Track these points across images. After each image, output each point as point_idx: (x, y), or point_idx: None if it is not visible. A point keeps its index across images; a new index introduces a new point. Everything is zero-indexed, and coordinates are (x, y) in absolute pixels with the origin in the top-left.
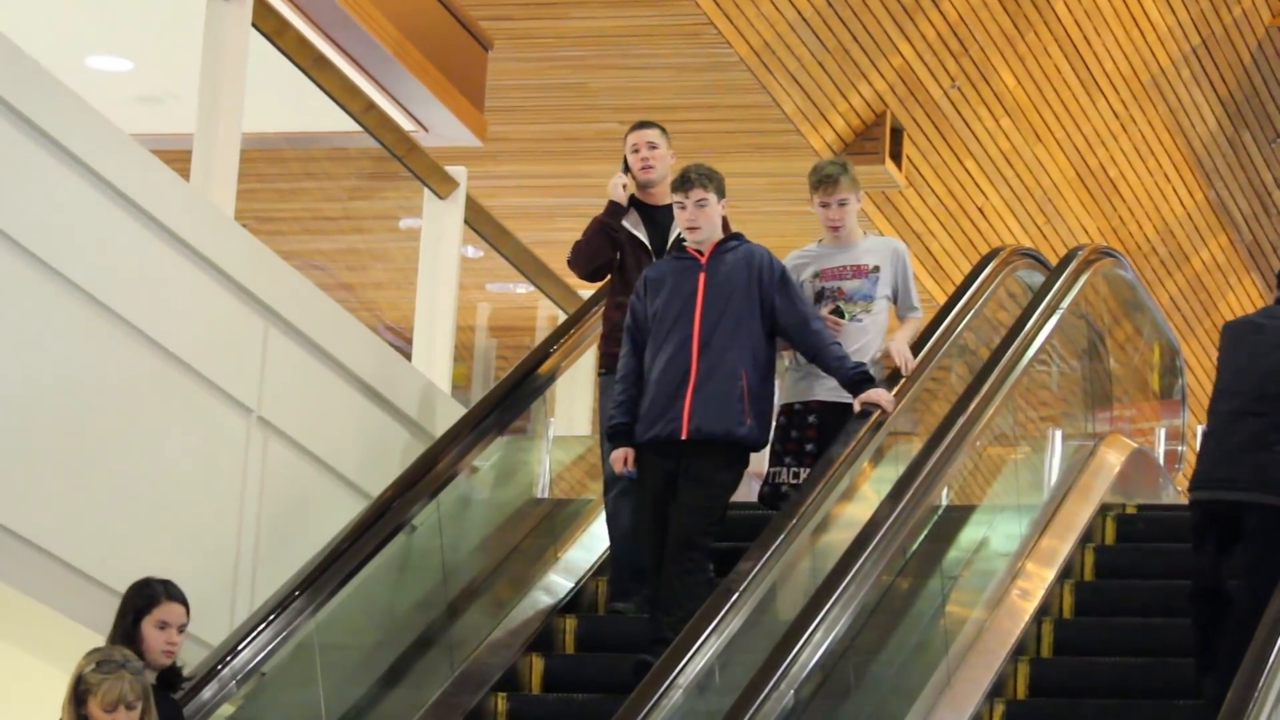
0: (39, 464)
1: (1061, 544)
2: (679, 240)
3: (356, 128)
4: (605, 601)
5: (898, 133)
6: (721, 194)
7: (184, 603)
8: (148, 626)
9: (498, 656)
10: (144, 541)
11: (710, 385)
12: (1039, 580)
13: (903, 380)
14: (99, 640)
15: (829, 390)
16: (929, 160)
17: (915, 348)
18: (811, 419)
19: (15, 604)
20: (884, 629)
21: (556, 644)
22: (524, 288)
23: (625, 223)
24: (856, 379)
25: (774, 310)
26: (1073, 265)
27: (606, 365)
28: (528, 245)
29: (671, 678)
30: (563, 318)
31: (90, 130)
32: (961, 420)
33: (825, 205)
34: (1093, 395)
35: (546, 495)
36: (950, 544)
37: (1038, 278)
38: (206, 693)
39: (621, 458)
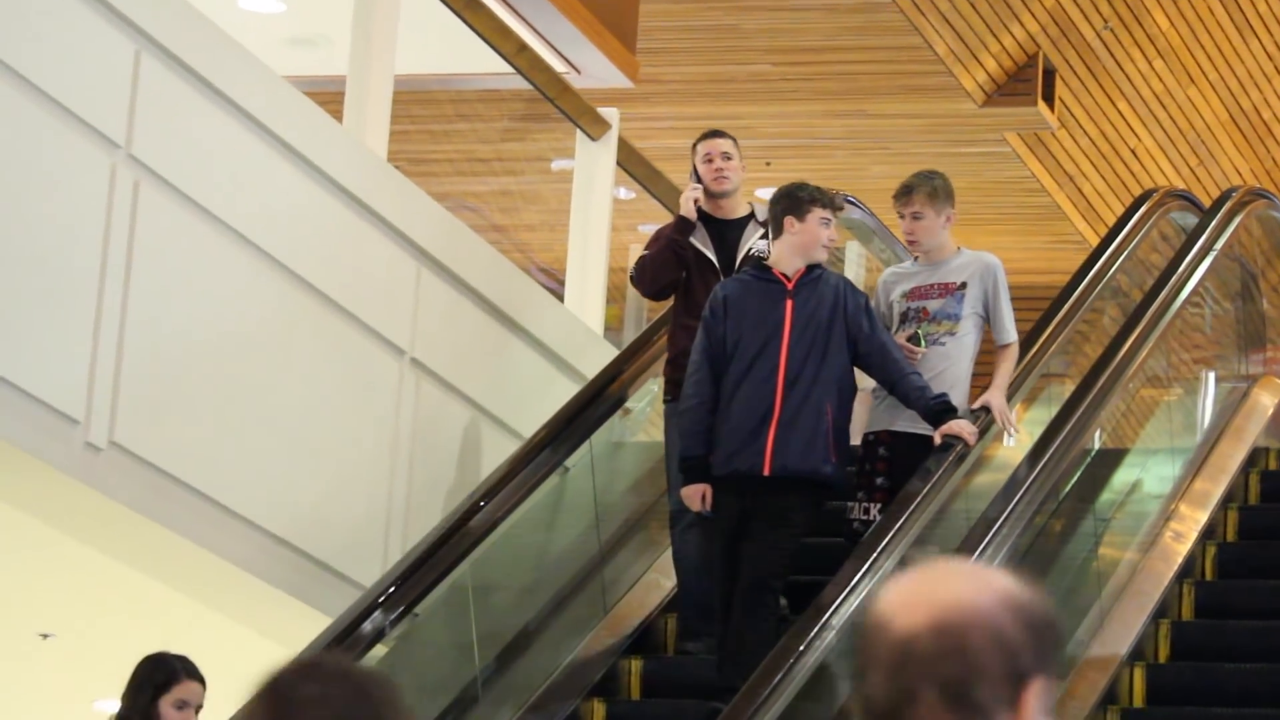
0: (194, 408)
1: (1214, 486)
2: (756, 258)
3: (509, 69)
4: (674, 640)
5: (1050, 74)
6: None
7: (202, 680)
8: (165, 706)
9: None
10: (297, 483)
11: (796, 421)
12: (1192, 522)
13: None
14: (252, 583)
15: (905, 421)
16: (1081, 102)
17: (1014, 385)
18: (882, 451)
19: (171, 546)
20: (1037, 571)
21: (621, 687)
22: None
23: (693, 239)
24: (937, 409)
25: (856, 340)
26: (1226, 207)
27: (673, 392)
28: (680, 187)
29: None
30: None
31: (243, 73)
32: (1114, 362)
33: (901, 217)
34: (1246, 337)
35: None
36: (1103, 486)
37: (1191, 219)
38: (360, 633)
39: (699, 495)
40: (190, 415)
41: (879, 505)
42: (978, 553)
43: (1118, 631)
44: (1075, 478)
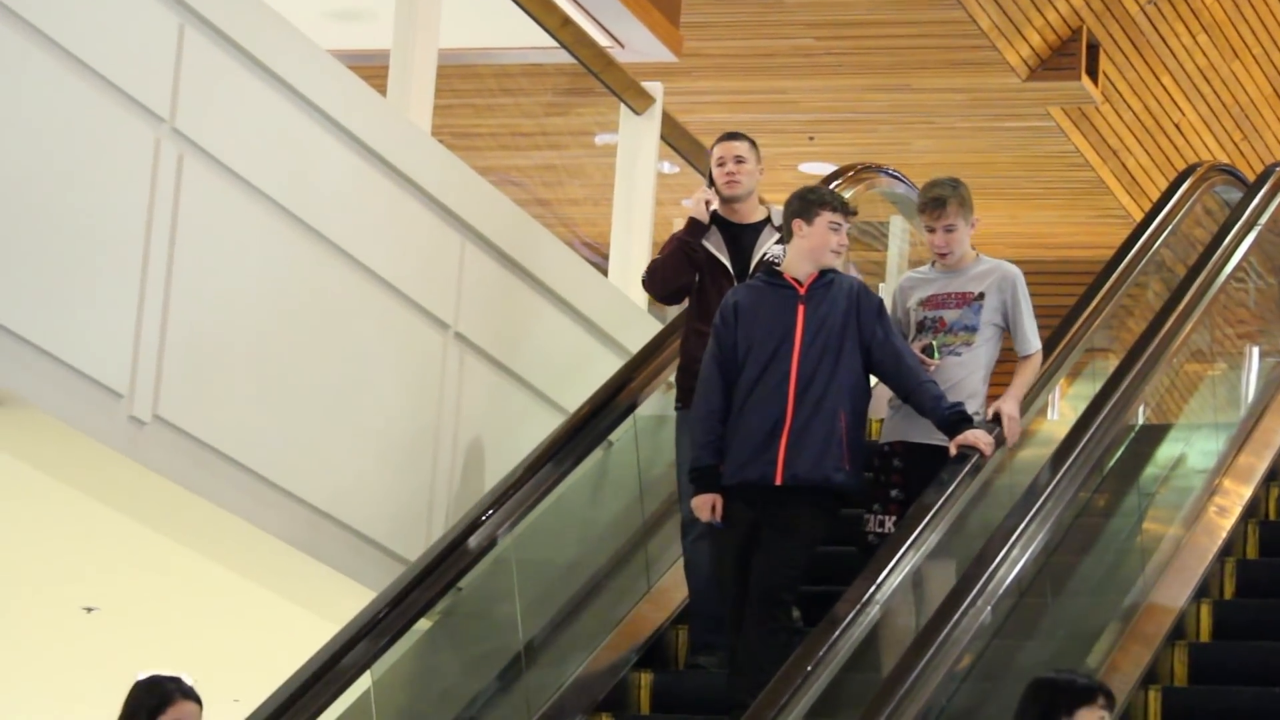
0: (238, 381)
1: (1259, 461)
2: (769, 263)
3: (552, 43)
4: (686, 653)
5: (1094, 48)
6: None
7: (198, 700)
8: None
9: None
10: (341, 457)
11: (808, 429)
12: (1237, 497)
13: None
14: (296, 557)
15: (921, 432)
16: (1125, 76)
17: (1030, 396)
18: (897, 462)
19: (215, 519)
20: (1081, 545)
21: (631, 701)
22: None
23: (706, 243)
24: (953, 420)
25: (869, 345)
26: (1270, 181)
27: (684, 399)
28: None
29: None
30: None
31: (287, 46)
32: (1158, 337)
33: (931, 231)
34: None
35: None
36: (1147, 460)
37: (1235, 194)
38: (403, 607)
39: (709, 505)
40: (234, 389)
41: (894, 518)
42: (1021, 528)
43: (1161, 608)
44: (1119, 453)
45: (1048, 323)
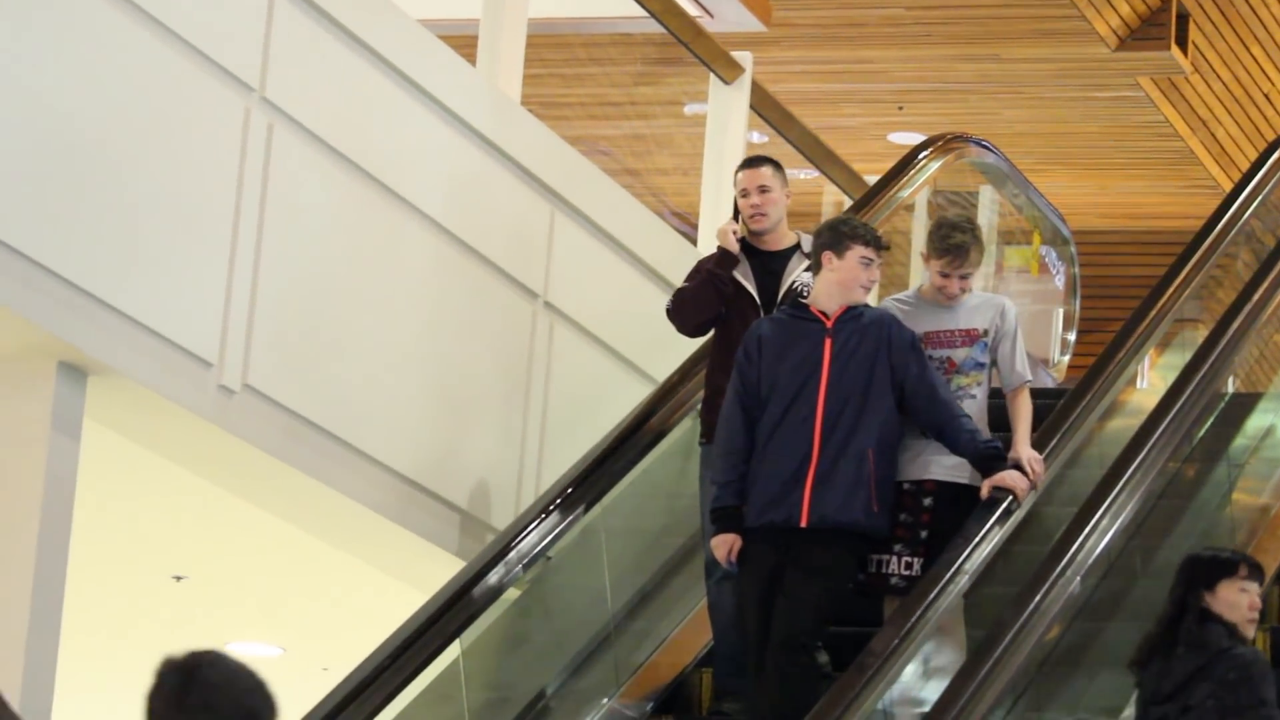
0: (327, 350)
1: None
2: (796, 294)
3: (641, 13)
4: (709, 697)
5: (1183, 18)
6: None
7: None
8: None
9: None
10: (430, 426)
11: (835, 470)
12: None
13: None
14: (385, 525)
15: (948, 469)
16: (1215, 46)
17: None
18: (927, 501)
19: (303, 488)
20: (1170, 516)
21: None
22: (809, 173)
23: (734, 272)
24: (988, 456)
25: (903, 382)
26: None
27: (709, 434)
28: (813, 131)
29: None
30: (848, 203)
31: (377, 16)
32: (1248, 307)
33: (945, 276)
34: None
35: None
36: (1237, 431)
37: None
38: (492, 577)
39: (728, 545)
40: (323, 358)
41: (921, 560)
42: (1111, 497)
43: None
44: (1209, 423)
45: (1136, 293)
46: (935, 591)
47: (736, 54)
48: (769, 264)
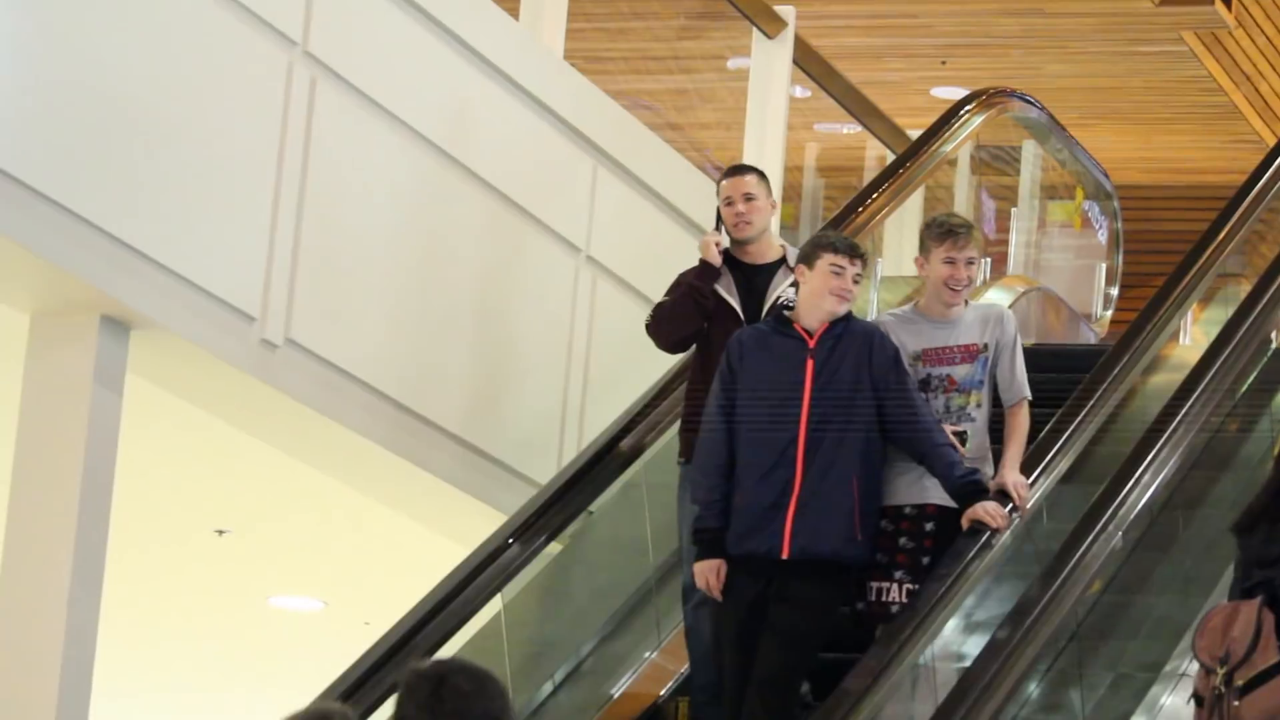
0: (369, 304)
1: None
2: (781, 308)
3: None
4: None
5: None
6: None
7: None
8: None
9: None
10: (472, 380)
11: (817, 498)
12: None
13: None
14: (427, 479)
15: (945, 494)
16: (1260, 0)
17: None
18: (929, 526)
19: (346, 442)
20: (1212, 471)
21: None
22: (851, 128)
23: (717, 286)
24: (967, 490)
25: (882, 398)
26: None
27: (687, 454)
28: (856, 85)
29: None
30: (890, 158)
31: None
32: None
33: (951, 262)
34: None
35: None
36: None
37: None
38: (533, 532)
39: (713, 571)
40: (365, 312)
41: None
42: (1154, 452)
43: None
44: (1253, 377)
45: (1179, 248)
46: (911, 629)
47: (779, 8)
48: (753, 277)
